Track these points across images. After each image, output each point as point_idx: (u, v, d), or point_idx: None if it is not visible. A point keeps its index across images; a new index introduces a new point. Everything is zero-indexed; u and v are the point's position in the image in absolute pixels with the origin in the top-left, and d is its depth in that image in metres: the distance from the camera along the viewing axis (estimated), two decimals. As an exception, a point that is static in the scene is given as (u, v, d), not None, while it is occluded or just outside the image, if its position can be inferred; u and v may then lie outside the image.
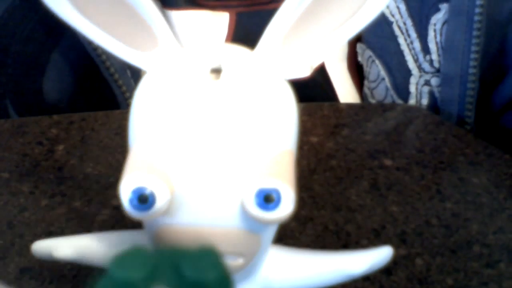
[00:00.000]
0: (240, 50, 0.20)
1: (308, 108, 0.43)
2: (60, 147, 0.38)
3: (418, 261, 0.29)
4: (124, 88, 0.45)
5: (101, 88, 0.46)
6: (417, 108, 0.47)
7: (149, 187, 0.17)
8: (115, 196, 0.33)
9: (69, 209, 0.32)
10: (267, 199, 0.17)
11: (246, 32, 0.49)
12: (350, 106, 0.46)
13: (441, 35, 0.46)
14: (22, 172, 0.35)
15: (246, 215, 0.18)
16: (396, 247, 0.30)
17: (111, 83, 0.45)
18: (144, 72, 0.20)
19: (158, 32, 0.19)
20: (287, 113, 0.19)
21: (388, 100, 0.51)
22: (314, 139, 0.40)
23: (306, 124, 0.41)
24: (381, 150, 0.39)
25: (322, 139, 0.40)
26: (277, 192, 0.17)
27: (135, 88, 0.20)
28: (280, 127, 0.19)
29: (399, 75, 0.49)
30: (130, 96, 0.45)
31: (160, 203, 0.17)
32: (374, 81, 0.51)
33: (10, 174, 0.35)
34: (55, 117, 0.41)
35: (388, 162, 0.37)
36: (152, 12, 0.19)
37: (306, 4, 0.19)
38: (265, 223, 0.18)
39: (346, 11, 0.19)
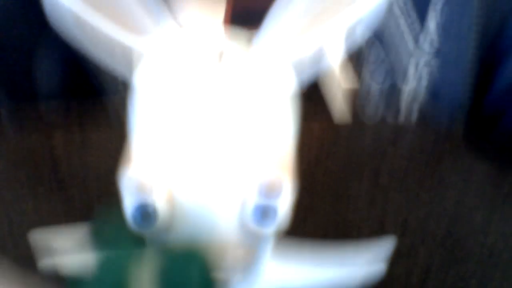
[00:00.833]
0: (240, 37, 0.20)
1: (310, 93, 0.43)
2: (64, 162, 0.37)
3: (421, 250, 0.29)
4: (111, 74, 0.44)
5: (91, 74, 0.45)
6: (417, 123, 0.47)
7: (152, 205, 0.17)
8: (112, 184, 0.32)
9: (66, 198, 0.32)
10: (264, 215, 0.17)
11: (244, 11, 0.49)
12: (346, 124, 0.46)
13: (441, 16, 0.45)
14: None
15: (243, 230, 0.18)
16: (398, 237, 0.30)
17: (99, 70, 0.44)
18: (141, 56, 0.20)
19: (157, 17, 0.19)
20: (286, 126, 0.19)
21: (387, 83, 0.50)
22: (316, 127, 0.39)
23: (309, 109, 0.41)
24: (384, 139, 0.38)
25: (325, 126, 0.39)
26: (274, 208, 0.17)
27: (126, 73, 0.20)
28: (281, 134, 0.19)
29: (399, 56, 0.49)
30: (120, 82, 0.44)
31: (161, 219, 0.17)
32: (374, 63, 0.51)
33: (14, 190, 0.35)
34: (53, 104, 0.40)
35: (391, 150, 0.37)
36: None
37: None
38: (262, 237, 0.19)
39: (342, 3, 0.19)
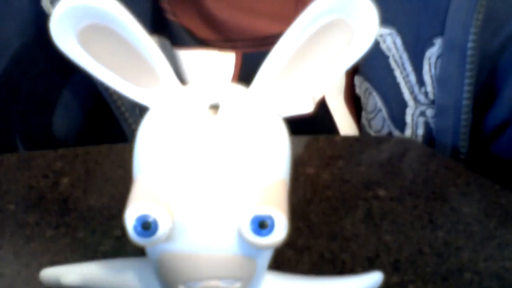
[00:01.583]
0: (236, 87, 0.22)
1: (304, 140, 0.45)
2: (65, 179, 0.39)
3: (411, 288, 0.30)
4: (133, 126, 0.45)
5: (110, 125, 0.47)
6: (410, 140, 0.49)
7: (152, 215, 0.18)
8: (118, 227, 0.34)
9: (73, 240, 0.33)
10: (262, 225, 0.18)
11: (252, 71, 0.51)
12: (345, 138, 0.47)
13: (435, 68, 0.47)
14: (28, 204, 0.37)
15: (242, 241, 0.19)
16: (389, 274, 0.31)
17: (120, 121, 0.45)
18: (148, 109, 0.22)
19: (160, 72, 0.21)
20: (279, 145, 0.21)
21: (385, 130, 0.52)
22: (310, 171, 0.41)
23: (302, 156, 0.42)
24: (375, 181, 0.40)
25: (318, 170, 0.41)
26: (271, 219, 0.18)
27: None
28: (273, 159, 0.20)
29: (396, 106, 0.50)
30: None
31: (162, 230, 0.19)
32: (372, 112, 0.52)
33: (16, 206, 0.36)
34: (60, 150, 0.42)
35: (382, 192, 0.38)
36: (154, 53, 0.20)
37: (298, 44, 0.20)
38: (260, 248, 0.20)
39: (334, 49, 0.21)
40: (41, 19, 0.45)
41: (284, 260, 0.32)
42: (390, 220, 0.35)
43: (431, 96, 0.48)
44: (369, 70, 0.52)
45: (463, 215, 0.36)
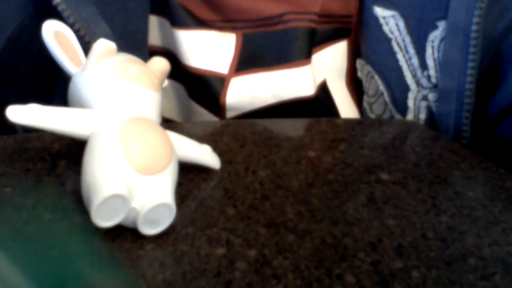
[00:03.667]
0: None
1: (306, 123, 0.44)
2: (62, 162, 0.38)
3: (415, 273, 0.30)
4: None
5: None
6: (413, 122, 0.48)
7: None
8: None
9: (71, 223, 0.33)
10: None
11: (253, 52, 0.50)
12: (347, 121, 0.46)
13: (438, 51, 0.47)
14: (25, 187, 0.36)
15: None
16: (392, 259, 0.30)
17: None
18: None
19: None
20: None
21: (386, 115, 0.51)
22: (311, 154, 0.40)
23: (304, 139, 0.42)
24: (378, 164, 0.39)
25: (320, 153, 0.40)
26: None
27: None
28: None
29: (398, 90, 0.50)
30: None
31: None
32: (373, 96, 0.52)
33: (12, 189, 0.36)
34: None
35: (384, 176, 0.38)
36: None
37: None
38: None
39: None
40: None
41: (285, 244, 0.31)
42: (393, 204, 0.35)
43: (433, 79, 0.48)
44: (371, 53, 0.51)
45: (468, 199, 0.36)
